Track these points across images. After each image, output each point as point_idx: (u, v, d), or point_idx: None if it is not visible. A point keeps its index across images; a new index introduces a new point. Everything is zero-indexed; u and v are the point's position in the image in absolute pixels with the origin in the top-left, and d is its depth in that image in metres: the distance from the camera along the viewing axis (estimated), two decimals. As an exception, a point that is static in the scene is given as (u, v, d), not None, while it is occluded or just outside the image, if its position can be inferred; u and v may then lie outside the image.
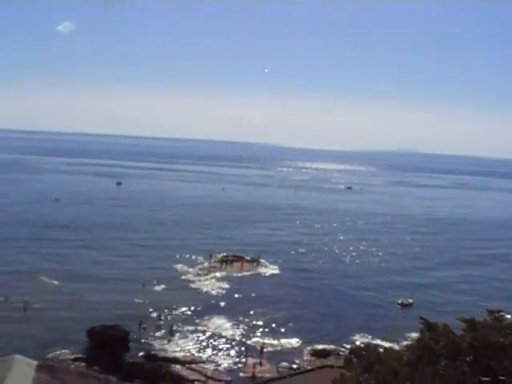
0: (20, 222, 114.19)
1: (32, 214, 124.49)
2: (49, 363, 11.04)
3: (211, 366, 51.79)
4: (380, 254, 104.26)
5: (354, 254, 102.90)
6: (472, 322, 9.51)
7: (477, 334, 8.95)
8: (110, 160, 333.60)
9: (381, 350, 10.06)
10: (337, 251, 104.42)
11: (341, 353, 55.22)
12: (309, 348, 56.91)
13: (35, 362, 10.81)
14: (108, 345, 51.53)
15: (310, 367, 44.83)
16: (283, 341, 58.66)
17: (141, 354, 53.17)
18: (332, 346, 57.03)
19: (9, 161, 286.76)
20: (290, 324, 63.46)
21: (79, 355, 51.72)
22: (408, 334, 59.35)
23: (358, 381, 8.76)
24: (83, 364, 48.79)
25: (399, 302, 74.09)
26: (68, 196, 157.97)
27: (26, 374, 10.27)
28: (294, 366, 51.80)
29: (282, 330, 61.56)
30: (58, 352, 51.79)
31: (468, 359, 8.52)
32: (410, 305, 73.19)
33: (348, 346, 56.09)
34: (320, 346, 56.95)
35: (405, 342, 54.38)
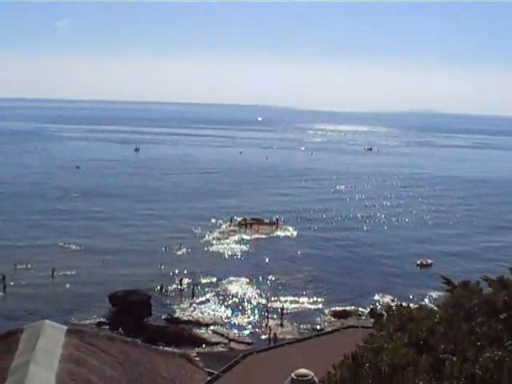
0: (44, 190, 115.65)
1: (55, 182, 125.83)
2: (77, 328, 11.12)
3: (233, 329, 52.35)
4: (400, 216, 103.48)
5: (373, 216, 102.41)
6: (502, 280, 9.34)
7: (509, 291, 8.79)
8: (127, 126, 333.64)
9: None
10: (356, 214, 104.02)
11: (361, 314, 55.47)
12: (329, 309, 57.23)
13: (64, 327, 10.86)
14: (130, 309, 52.11)
15: (331, 328, 45.04)
16: (303, 302, 59.07)
17: (163, 317, 53.80)
18: (352, 307, 57.28)
19: (28, 130, 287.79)
20: (310, 286, 63.76)
21: (103, 320, 52.51)
22: (429, 294, 59.61)
23: (391, 339, 8.65)
24: (107, 328, 49.37)
25: (418, 262, 73.94)
26: (88, 163, 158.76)
27: (55, 338, 10.31)
28: (316, 327, 52.13)
29: (302, 291, 61.88)
30: (82, 317, 52.62)
31: (502, 317, 8.39)
32: (429, 265, 73.00)
33: (368, 307, 56.30)
34: (340, 307, 57.22)
35: (425, 302, 54.80)
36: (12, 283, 60.82)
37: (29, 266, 66.48)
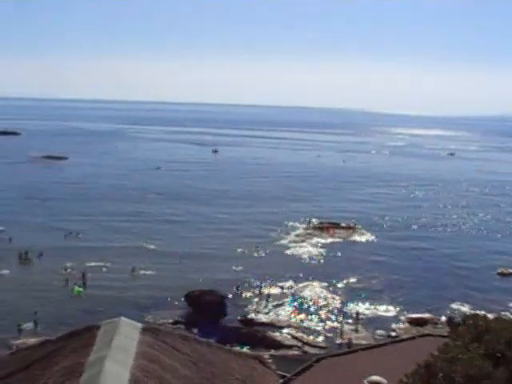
0: (125, 191, 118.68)
1: (136, 183, 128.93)
2: (153, 326, 11.31)
3: (307, 332, 52.13)
4: (481, 225, 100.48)
5: (453, 224, 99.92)
6: None
7: None
8: (205, 128, 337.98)
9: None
10: (435, 219, 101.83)
11: (438, 322, 54.30)
12: (405, 316, 56.24)
13: (140, 325, 11.08)
14: (206, 309, 52.63)
15: (406, 335, 44.29)
16: (379, 308, 58.23)
17: (238, 318, 54.09)
18: (429, 315, 56.07)
19: (108, 131, 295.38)
20: (386, 291, 62.84)
21: (178, 319, 53.25)
22: (509, 304, 57.84)
23: (466, 350, 8.42)
24: (182, 327, 49.98)
25: (499, 271, 71.76)
26: (168, 164, 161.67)
27: (131, 335, 10.54)
28: (391, 334, 51.35)
29: (378, 297, 61.04)
30: (158, 316, 53.53)
31: None
32: (510, 275, 70.78)
33: (445, 316, 55.09)
34: (416, 315, 56.14)
35: (504, 312, 53.14)
36: (92, 280, 62.48)
37: (108, 264, 68.20)
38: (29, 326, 50.31)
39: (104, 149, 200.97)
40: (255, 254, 75.47)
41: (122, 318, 11.02)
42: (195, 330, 47.29)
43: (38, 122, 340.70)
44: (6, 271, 65.07)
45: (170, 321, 52.48)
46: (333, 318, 55.62)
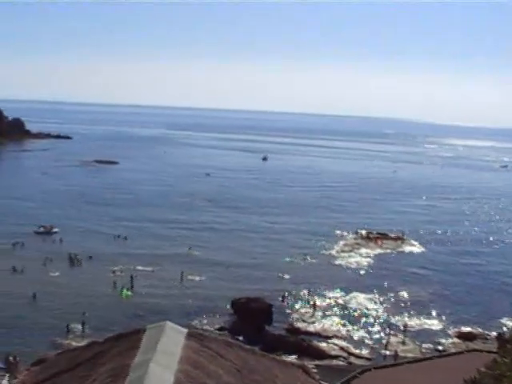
0: (176, 195, 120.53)
1: (185, 188, 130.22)
2: (198, 331, 11.40)
3: (353, 343, 51.71)
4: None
5: (504, 237, 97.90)
6: None
7: None
8: (255, 135, 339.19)
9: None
10: (486, 233, 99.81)
11: (488, 337, 53.20)
12: (453, 330, 55.31)
13: (185, 330, 11.11)
14: (251, 316, 52.65)
15: (454, 350, 43.58)
16: (426, 321, 57.39)
17: (283, 326, 53.97)
18: (478, 330, 55.05)
19: (159, 136, 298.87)
20: (435, 304, 61.88)
21: (223, 325, 53.43)
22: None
23: (515, 368, 8.23)
24: (227, 334, 50.08)
25: (553, 287, 70.02)
26: (217, 171, 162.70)
27: (176, 340, 10.59)
28: (439, 348, 50.57)
29: (426, 310, 60.16)
30: (204, 321, 53.85)
31: None
32: None
33: (495, 331, 53.93)
34: (466, 329, 55.17)
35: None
36: (140, 284, 63.18)
37: (155, 269, 68.93)
38: (77, 327, 51.13)
39: (154, 154, 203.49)
40: (302, 263, 75.28)
41: (168, 323, 11.08)
42: (240, 337, 47.32)
43: (88, 127, 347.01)
44: (56, 273, 66.32)
45: (216, 327, 52.73)
46: (379, 329, 55.07)
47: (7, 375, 39.77)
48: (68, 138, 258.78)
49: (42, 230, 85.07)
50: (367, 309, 59.82)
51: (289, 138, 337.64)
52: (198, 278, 66.56)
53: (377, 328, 55.29)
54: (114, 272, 66.98)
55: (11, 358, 41.61)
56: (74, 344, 43.19)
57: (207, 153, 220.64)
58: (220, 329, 52.11)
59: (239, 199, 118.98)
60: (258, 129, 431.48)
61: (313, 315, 57.51)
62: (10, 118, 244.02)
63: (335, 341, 51.62)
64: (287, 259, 76.13)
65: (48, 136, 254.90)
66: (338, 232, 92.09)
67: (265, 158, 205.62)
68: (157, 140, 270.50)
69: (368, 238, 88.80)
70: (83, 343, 14.45)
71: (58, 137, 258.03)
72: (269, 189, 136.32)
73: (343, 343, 51.23)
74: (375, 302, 61.65)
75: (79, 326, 51.17)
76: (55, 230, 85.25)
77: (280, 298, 60.47)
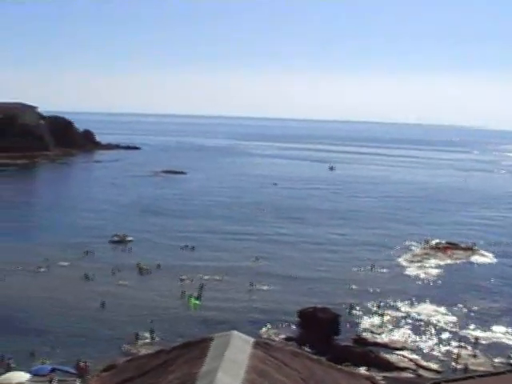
0: (244, 205, 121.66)
1: (255, 198, 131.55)
2: (264, 341, 11.38)
3: (422, 355, 50.70)
4: None
5: None
6: None
7: None
8: (320, 144, 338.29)
9: None
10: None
11: None
12: (528, 344, 53.61)
13: (251, 339, 11.12)
14: (318, 326, 52.27)
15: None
16: (499, 334, 55.74)
17: (351, 337, 53.37)
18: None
19: (225, 147, 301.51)
20: (507, 317, 60.09)
21: (290, 335, 53.23)
22: None
23: None
24: (294, 343, 49.86)
25: None
26: (284, 181, 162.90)
27: (242, 349, 10.60)
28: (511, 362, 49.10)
29: (497, 322, 58.44)
30: (271, 331, 53.80)
31: None
32: None
33: None
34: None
35: None
36: (207, 293, 63.62)
37: (223, 278, 69.37)
38: (145, 334, 51.82)
39: (221, 164, 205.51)
40: (370, 274, 74.39)
41: (235, 332, 11.11)
42: (307, 347, 47.08)
43: (156, 137, 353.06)
44: (125, 281, 67.48)
45: (282, 337, 52.57)
46: (449, 341, 53.80)
47: (78, 380, 40.69)
48: (137, 148, 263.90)
49: (116, 238, 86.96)
50: (437, 320, 58.59)
51: (353, 146, 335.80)
52: (264, 288, 66.58)
53: (447, 340, 54.04)
54: (181, 281, 67.75)
55: (82, 364, 42.50)
56: (143, 351, 43.82)
57: (273, 162, 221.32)
58: (287, 339, 51.92)
59: (306, 210, 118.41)
60: (322, 138, 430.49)
61: (381, 326, 56.72)
62: (81, 129, 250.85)
63: (404, 352, 50.72)
64: (354, 269, 75.39)
65: (117, 147, 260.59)
66: (407, 242, 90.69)
67: (331, 168, 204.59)
68: (223, 150, 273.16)
69: (437, 248, 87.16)
70: (151, 351, 14.64)
71: (127, 147, 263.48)
72: (335, 199, 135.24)
73: (412, 355, 50.29)
74: (445, 314, 60.33)
75: (147, 334, 51.84)
76: (129, 238, 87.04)
77: (347, 309, 59.88)
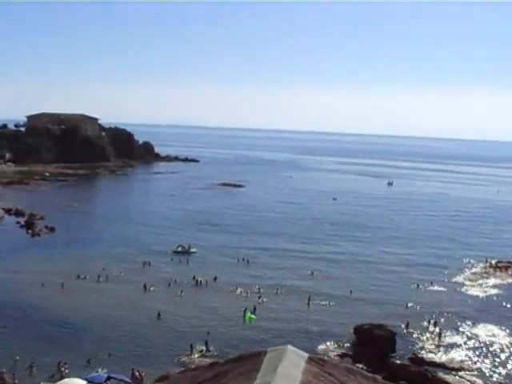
0: (303, 220, 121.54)
1: (314, 213, 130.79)
2: (319, 356, 11.23)
3: (481, 377, 49.38)
4: None
5: None
6: None
7: None
8: (378, 160, 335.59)
9: None
10: None
11: None
12: None
13: (306, 354, 10.98)
14: (374, 343, 51.54)
15: None
16: None
17: (407, 356, 52.40)
18: None
19: (284, 161, 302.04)
20: None
21: (345, 351, 52.62)
22: None
23: None
24: (349, 360, 49.26)
25: None
26: (343, 196, 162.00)
27: (296, 364, 10.48)
28: None
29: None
30: (326, 346, 53.29)
31: None
32: None
33: None
34: None
35: None
36: (263, 307, 63.50)
37: (279, 292, 69.22)
38: (200, 346, 51.97)
39: (279, 178, 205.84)
40: (427, 292, 72.99)
41: (289, 346, 10.99)
42: (362, 364, 46.46)
43: (214, 150, 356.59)
44: (182, 293, 67.94)
45: (337, 353, 52.02)
46: (510, 363, 52.30)
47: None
48: (195, 161, 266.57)
49: (180, 249, 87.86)
50: (497, 341, 56.96)
51: (412, 162, 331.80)
52: (320, 304, 66.01)
53: (508, 362, 52.55)
54: (237, 294, 67.88)
55: (137, 374, 42.89)
56: (197, 363, 44.01)
57: (332, 177, 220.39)
58: (342, 355, 51.34)
59: (364, 226, 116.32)
60: (380, 153, 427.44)
61: (438, 345, 55.51)
62: (140, 141, 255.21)
63: (462, 373, 49.51)
64: (412, 287, 74.11)
65: (176, 159, 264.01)
66: (466, 261, 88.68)
67: (390, 183, 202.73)
68: (281, 164, 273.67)
69: (498, 267, 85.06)
70: (205, 363, 14.64)
71: (186, 160, 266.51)
72: (393, 216, 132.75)
73: (471, 377, 49.04)
74: (506, 335, 58.68)
75: (202, 346, 51.99)
76: (193, 250, 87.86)
77: (403, 326, 58.88)
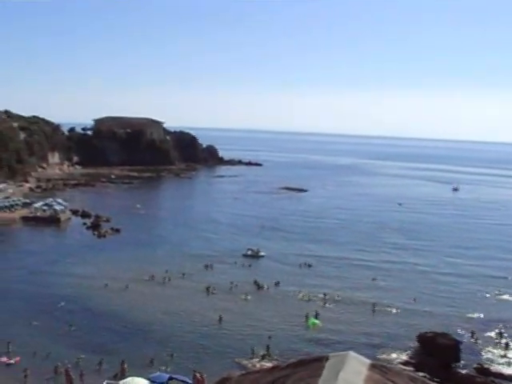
0: (369, 225, 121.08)
1: (380, 218, 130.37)
2: (381, 363, 11.02)
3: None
4: None
5: None
6: None
7: None
8: (443, 165, 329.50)
9: None
10: None
11: None
12: None
13: (368, 361, 10.78)
14: (438, 352, 50.58)
15: None
16: None
17: (471, 365, 51.17)
18: None
19: (348, 165, 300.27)
20: None
21: (408, 359, 51.77)
22: None
23: None
24: (412, 368, 48.45)
25: None
26: (409, 201, 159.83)
27: (358, 371, 10.30)
28: None
29: None
30: (388, 353, 52.52)
31: None
32: None
33: None
34: None
35: None
36: (326, 312, 63.09)
37: (342, 297, 68.69)
38: (261, 350, 51.96)
39: (343, 183, 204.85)
40: (494, 302, 71.14)
41: (351, 352, 10.82)
42: (425, 373, 45.61)
43: (278, 154, 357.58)
44: (243, 297, 68.21)
45: (400, 360, 51.24)
46: None
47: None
48: (258, 165, 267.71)
49: (250, 252, 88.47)
50: None
51: (478, 167, 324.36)
52: (383, 311, 65.22)
53: None
54: (299, 299, 67.68)
55: (198, 375, 43.15)
56: (258, 366, 44.03)
57: (397, 182, 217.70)
58: (404, 363, 50.52)
59: (429, 234, 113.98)
60: (445, 158, 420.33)
61: (505, 356, 54.02)
62: (204, 145, 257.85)
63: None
64: (477, 298, 72.28)
65: (239, 163, 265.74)
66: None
67: (456, 189, 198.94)
68: (345, 168, 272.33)
69: None
70: (266, 366, 14.60)
71: (249, 164, 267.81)
72: (458, 224, 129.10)
73: (539, 389, 47.57)
74: None
75: (263, 350, 51.96)
76: (262, 253, 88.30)
77: (469, 335, 57.53)
